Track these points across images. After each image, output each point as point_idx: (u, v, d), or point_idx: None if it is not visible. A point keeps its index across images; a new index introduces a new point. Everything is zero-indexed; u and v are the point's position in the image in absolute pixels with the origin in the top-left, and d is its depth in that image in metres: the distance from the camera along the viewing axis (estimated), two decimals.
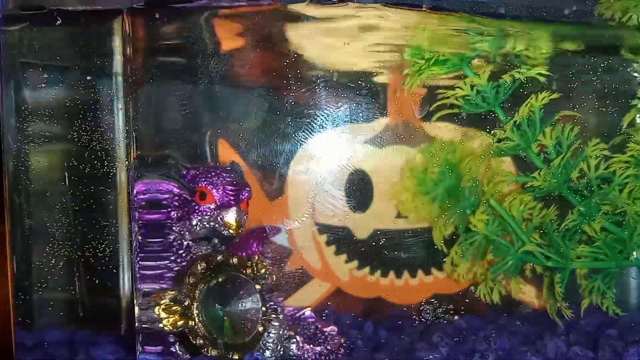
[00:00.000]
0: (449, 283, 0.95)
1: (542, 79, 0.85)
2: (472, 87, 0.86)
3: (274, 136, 0.88)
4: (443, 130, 0.91)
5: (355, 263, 0.96)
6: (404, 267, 0.96)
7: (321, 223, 0.93)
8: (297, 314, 0.88)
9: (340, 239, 0.94)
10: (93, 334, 0.88)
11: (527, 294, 0.95)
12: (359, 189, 0.93)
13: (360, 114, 0.89)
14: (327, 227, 0.94)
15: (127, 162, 0.81)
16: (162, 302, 0.76)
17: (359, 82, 0.88)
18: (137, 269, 0.77)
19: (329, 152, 0.90)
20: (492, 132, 0.88)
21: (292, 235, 0.93)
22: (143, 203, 0.79)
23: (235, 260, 0.81)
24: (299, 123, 0.88)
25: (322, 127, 0.88)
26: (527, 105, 0.85)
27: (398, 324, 0.93)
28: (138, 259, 0.78)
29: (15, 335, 0.82)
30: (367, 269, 0.96)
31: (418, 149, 0.92)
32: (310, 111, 0.87)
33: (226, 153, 0.89)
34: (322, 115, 0.87)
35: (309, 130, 0.88)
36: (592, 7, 0.87)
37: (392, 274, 0.97)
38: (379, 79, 0.90)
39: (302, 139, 0.88)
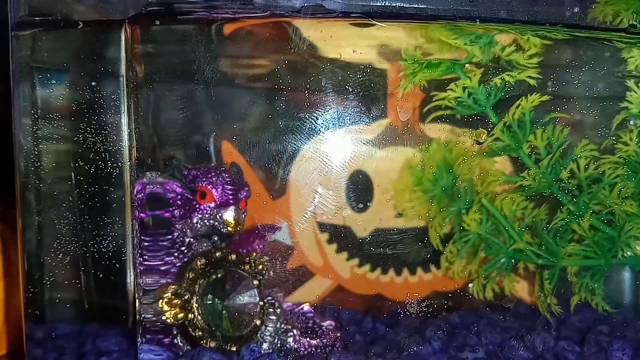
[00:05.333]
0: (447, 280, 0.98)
1: (532, 82, 0.87)
2: (464, 89, 0.88)
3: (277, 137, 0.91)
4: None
5: (356, 261, 0.99)
6: (403, 264, 0.99)
7: (322, 222, 0.96)
8: (296, 309, 0.91)
9: (342, 237, 0.97)
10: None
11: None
12: (360, 189, 0.95)
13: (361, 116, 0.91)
14: (328, 225, 0.97)
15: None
16: (165, 295, 0.80)
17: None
18: (138, 265, 0.81)
19: (331, 153, 0.92)
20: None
21: (294, 234, 0.96)
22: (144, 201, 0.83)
23: (233, 256, 0.84)
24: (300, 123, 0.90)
25: (324, 128, 0.90)
26: (517, 106, 0.88)
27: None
28: (139, 255, 0.81)
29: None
30: (367, 267, 0.99)
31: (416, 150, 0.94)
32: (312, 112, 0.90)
33: (230, 154, 0.92)
34: (323, 116, 0.90)
35: (311, 130, 0.90)
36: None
37: (391, 272, 0.99)
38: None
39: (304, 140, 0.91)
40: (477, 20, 0.86)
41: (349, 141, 0.92)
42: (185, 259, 0.84)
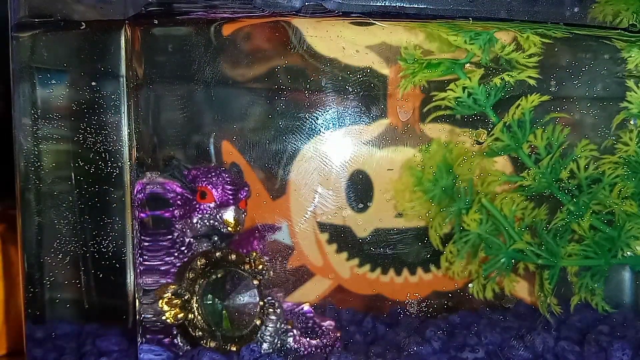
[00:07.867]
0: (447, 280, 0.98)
1: (532, 81, 0.87)
2: (464, 89, 0.88)
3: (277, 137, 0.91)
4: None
5: (356, 261, 0.99)
6: (403, 264, 0.99)
7: (322, 222, 0.96)
8: (296, 309, 0.91)
9: (342, 237, 0.97)
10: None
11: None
12: (360, 189, 0.95)
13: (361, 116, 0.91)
14: (328, 225, 0.97)
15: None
16: (165, 295, 0.79)
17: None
18: (138, 265, 0.81)
19: (331, 153, 0.92)
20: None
21: (294, 234, 0.96)
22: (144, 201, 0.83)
23: (233, 256, 0.84)
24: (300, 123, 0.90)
25: (324, 128, 0.90)
26: (517, 106, 0.88)
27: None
28: (139, 255, 0.81)
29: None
30: (367, 267, 0.99)
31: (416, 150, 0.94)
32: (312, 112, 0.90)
33: (230, 154, 0.92)
34: (323, 116, 0.90)
35: (311, 130, 0.90)
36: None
37: (391, 272, 0.99)
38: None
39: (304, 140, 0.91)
40: (471, 19, 0.86)
41: (349, 141, 0.92)
42: (185, 259, 0.84)
